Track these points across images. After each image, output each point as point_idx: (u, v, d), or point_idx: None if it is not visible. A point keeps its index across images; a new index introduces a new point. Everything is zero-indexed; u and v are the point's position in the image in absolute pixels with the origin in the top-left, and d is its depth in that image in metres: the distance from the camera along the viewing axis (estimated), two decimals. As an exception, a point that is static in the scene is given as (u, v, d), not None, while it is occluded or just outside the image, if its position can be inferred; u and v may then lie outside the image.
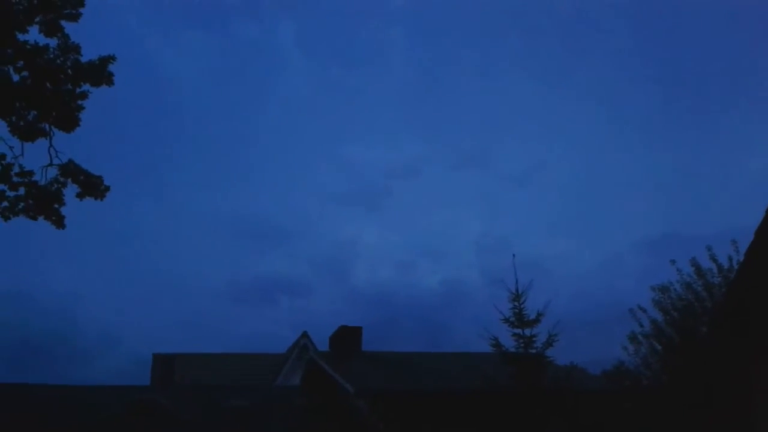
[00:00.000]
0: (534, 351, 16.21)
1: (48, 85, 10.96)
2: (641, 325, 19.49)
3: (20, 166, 11.17)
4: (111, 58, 11.10)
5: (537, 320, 16.28)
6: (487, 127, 66.27)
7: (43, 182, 11.25)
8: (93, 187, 11.35)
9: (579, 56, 63.73)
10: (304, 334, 27.18)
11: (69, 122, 11.15)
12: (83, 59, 11.04)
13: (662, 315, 19.20)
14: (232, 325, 54.69)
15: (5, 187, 11.07)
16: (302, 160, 67.91)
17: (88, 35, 11.21)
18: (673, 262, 19.33)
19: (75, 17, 10.95)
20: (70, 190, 11.35)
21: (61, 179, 11.30)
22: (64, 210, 11.34)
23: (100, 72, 11.04)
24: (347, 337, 22.14)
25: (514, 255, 16.85)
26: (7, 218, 11.05)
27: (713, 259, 18.70)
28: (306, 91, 66.17)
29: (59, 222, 11.27)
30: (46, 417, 16.44)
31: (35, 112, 11.08)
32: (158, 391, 19.72)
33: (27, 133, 11.01)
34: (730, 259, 18.20)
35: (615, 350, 20.34)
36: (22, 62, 10.74)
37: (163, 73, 58.62)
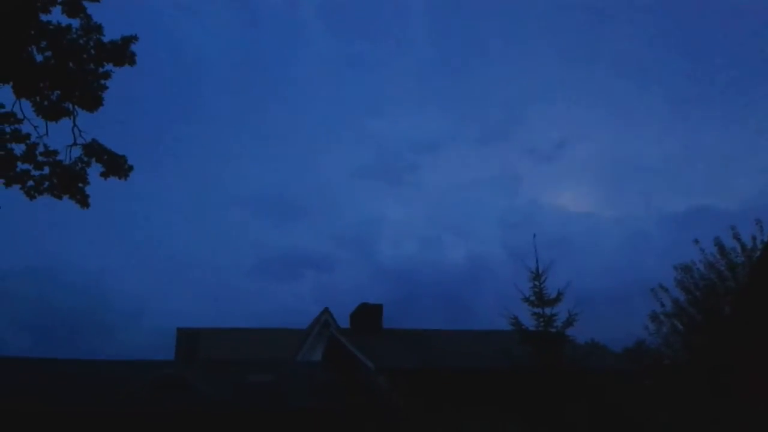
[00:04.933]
0: (554, 330, 16.21)
1: (71, 65, 11.03)
2: (662, 305, 19.46)
3: (45, 145, 11.29)
4: (133, 38, 11.14)
5: (557, 299, 16.27)
6: (512, 102, 65.88)
7: (67, 162, 11.38)
8: (117, 166, 11.45)
9: (607, 29, 62.74)
10: (326, 311, 27.39)
11: (92, 102, 11.21)
12: (105, 39, 11.09)
13: (684, 294, 19.13)
14: (256, 300, 55.41)
15: (30, 167, 11.20)
16: (326, 134, 68.16)
17: (110, 14, 11.27)
18: (696, 241, 19.21)
19: (97, -2, 10.99)
20: (95, 170, 11.46)
21: (85, 159, 11.40)
22: (88, 189, 11.48)
23: (122, 52, 11.09)
24: (368, 314, 22.29)
25: (534, 234, 16.89)
26: (32, 197, 11.21)
27: (737, 238, 18.56)
28: (329, 65, 66.05)
29: (84, 201, 11.38)
30: (73, 391, 16.78)
31: (59, 92, 11.17)
32: (184, 367, 20.03)
33: (51, 112, 11.12)
34: (754, 239, 18.06)
35: (637, 328, 20.35)
36: (45, 42, 10.80)
37: (186, 48, 58.85)
